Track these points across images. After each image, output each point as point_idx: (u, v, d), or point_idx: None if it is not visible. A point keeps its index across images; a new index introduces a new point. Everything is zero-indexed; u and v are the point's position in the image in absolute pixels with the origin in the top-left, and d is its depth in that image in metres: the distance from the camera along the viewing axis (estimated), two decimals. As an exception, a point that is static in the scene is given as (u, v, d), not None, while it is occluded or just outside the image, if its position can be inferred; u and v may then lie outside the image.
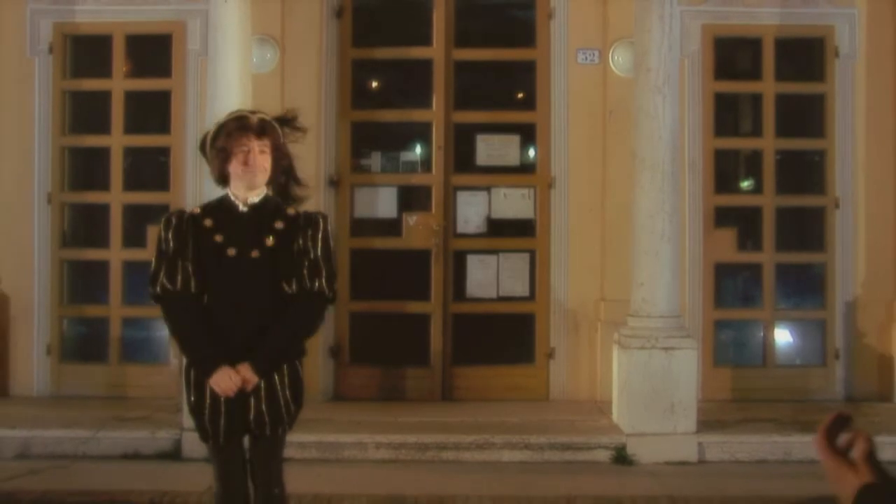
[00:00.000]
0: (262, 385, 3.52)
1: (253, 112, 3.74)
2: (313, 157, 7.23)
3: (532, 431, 6.32)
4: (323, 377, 7.17)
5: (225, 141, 3.58)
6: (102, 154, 7.44)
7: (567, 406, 7.04)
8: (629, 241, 6.50)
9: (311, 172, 7.08)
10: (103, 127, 7.43)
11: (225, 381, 3.46)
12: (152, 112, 7.59)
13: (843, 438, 1.39)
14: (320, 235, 3.60)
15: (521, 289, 7.44)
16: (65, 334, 7.48)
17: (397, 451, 6.13)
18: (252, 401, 3.52)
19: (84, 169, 7.62)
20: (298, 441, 6.11)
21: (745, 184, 7.92)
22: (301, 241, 3.57)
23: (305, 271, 3.55)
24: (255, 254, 3.53)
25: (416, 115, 7.71)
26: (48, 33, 7.35)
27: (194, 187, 7.11)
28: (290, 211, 3.66)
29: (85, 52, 7.62)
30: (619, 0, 7.13)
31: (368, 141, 7.75)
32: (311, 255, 3.57)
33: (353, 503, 5.34)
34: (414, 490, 5.47)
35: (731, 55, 7.80)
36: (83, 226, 7.66)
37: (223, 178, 3.64)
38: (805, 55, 7.59)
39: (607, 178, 7.30)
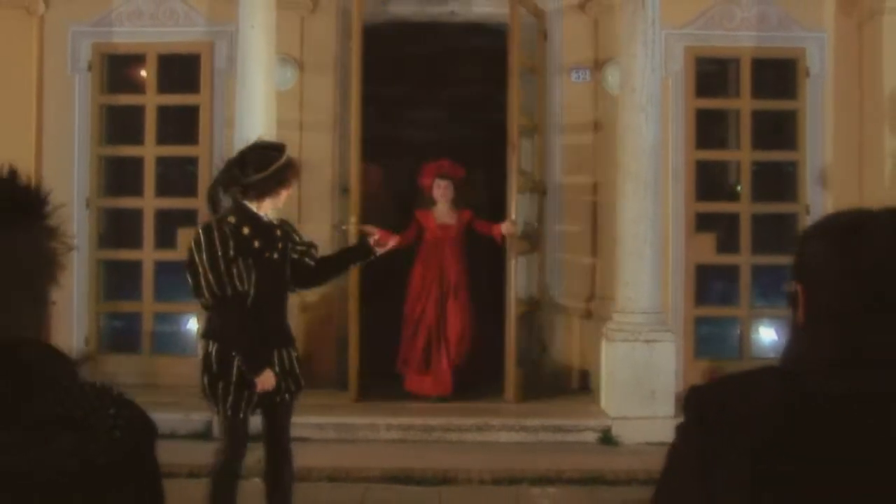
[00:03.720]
0: (287, 363, 4.30)
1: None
2: (328, 166, 7.93)
3: (527, 415, 7.01)
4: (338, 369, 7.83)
5: (292, 175, 4.36)
6: (136, 163, 8.09)
7: (559, 393, 7.69)
8: (616, 244, 7.19)
9: (328, 179, 7.79)
10: (137, 138, 8.08)
11: (270, 380, 4.19)
12: (182, 124, 8.26)
13: None
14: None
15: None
16: (101, 328, 8.16)
17: (406, 432, 6.82)
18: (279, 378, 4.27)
19: (119, 176, 8.28)
20: (317, 423, 6.84)
21: (740, 188, 8.48)
22: (296, 238, 4.44)
23: (307, 258, 4.44)
24: (276, 256, 4.29)
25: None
26: (87, 53, 8.02)
27: (220, 194, 7.78)
28: (275, 220, 4.40)
29: (121, 69, 8.31)
30: (609, 24, 7.78)
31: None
32: (310, 248, 4.49)
33: (367, 475, 6.02)
34: (421, 465, 6.14)
35: (712, 74, 8.44)
36: (118, 228, 8.33)
37: (268, 194, 4.26)
38: (779, 74, 8.24)
39: (598, 186, 7.98)
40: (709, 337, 8.15)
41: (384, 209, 12.93)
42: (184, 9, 8.02)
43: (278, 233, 4.34)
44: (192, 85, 8.10)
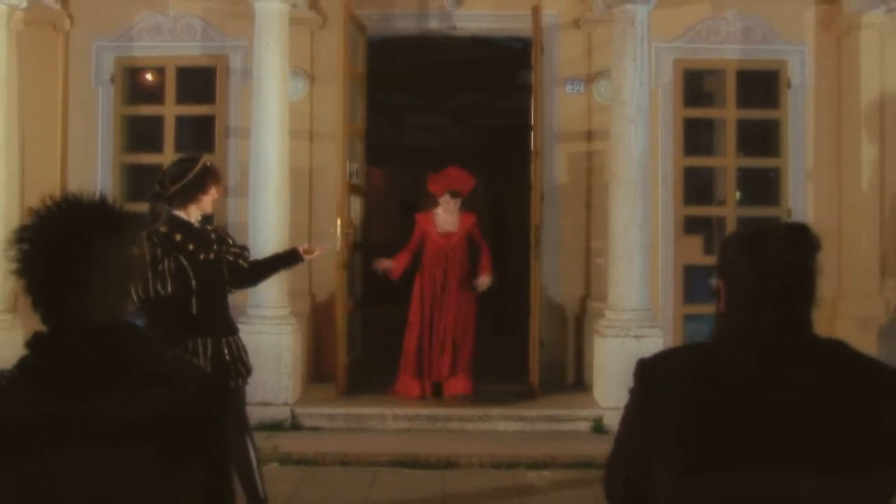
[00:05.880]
0: (234, 350, 4.76)
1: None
2: (339, 169, 8.36)
3: (525, 406, 7.48)
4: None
5: (210, 180, 4.81)
6: (156, 170, 8.46)
7: (555, 386, 8.15)
8: (608, 246, 7.66)
9: (338, 181, 8.19)
10: (156, 146, 8.54)
11: None
12: (198, 134, 8.73)
13: None
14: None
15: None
16: (123, 326, 8.59)
17: (411, 421, 7.28)
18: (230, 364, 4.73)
19: (140, 183, 8.71)
20: (329, 413, 7.35)
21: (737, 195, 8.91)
22: (230, 242, 4.90)
23: (241, 261, 4.89)
24: (212, 256, 4.78)
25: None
26: (110, 66, 8.50)
27: (235, 199, 8.27)
28: (209, 226, 4.92)
29: (141, 82, 8.79)
30: (601, 39, 8.24)
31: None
32: (243, 251, 4.99)
33: (376, 460, 6.50)
34: (426, 451, 6.61)
35: (699, 85, 8.92)
36: (139, 232, 8.77)
37: (190, 201, 4.74)
38: (762, 85, 8.68)
39: (591, 191, 8.44)
40: (697, 333, 8.54)
41: (387, 211, 13.47)
42: (200, 24, 8.49)
43: (212, 236, 4.85)
44: (207, 96, 8.57)
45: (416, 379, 7.70)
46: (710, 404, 1.90)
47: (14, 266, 1.92)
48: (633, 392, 2.07)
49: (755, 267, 1.96)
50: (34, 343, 1.96)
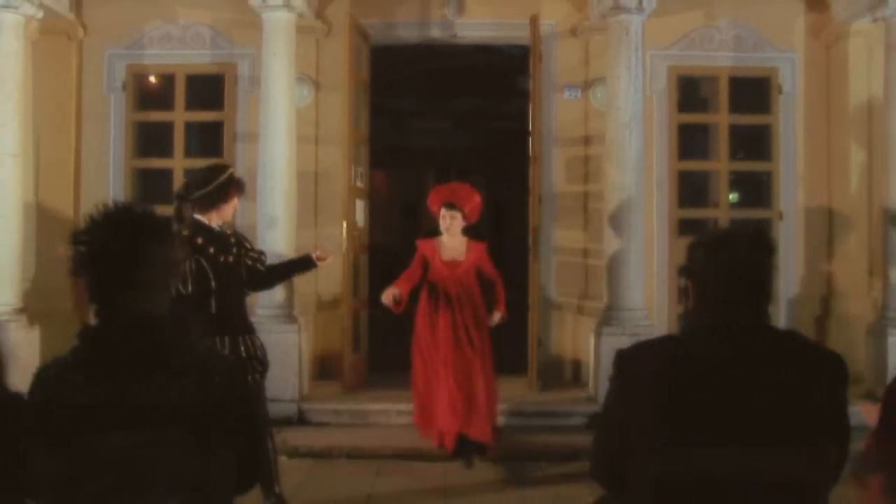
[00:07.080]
0: (250, 347, 5.03)
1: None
2: (344, 173, 8.60)
3: (524, 402, 7.74)
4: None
5: (233, 191, 5.14)
6: (166, 174, 8.78)
7: (553, 383, 8.42)
8: (604, 247, 7.91)
9: (344, 185, 8.43)
10: (167, 151, 8.80)
11: None
12: (207, 139, 8.99)
13: None
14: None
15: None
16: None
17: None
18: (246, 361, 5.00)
19: (151, 187, 9.00)
20: (335, 409, 7.61)
21: (732, 196, 9.15)
22: (248, 246, 5.23)
23: (258, 265, 5.22)
24: (231, 259, 5.09)
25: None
26: (122, 74, 8.75)
27: (243, 202, 8.49)
28: (228, 230, 5.21)
29: (152, 88, 9.04)
30: (598, 47, 8.50)
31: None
32: (260, 255, 5.32)
33: (381, 453, 6.77)
34: (428, 445, 6.85)
35: (693, 91, 9.17)
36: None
37: (212, 208, 5.05)
38: (754, 91, 8.91)
39: (588, 194, 8.69)
40: (691, 332, 8.81)
41: (389, 213, 13.73)
42: (209, 33, 8.75)
43: (232, 240, 5.18)
44: (216, 102, 8.82)
45: (431, 431, 6.75)
46: (686, 388, 2.16)
47: (71, 266, 2.19)
48: (613, 380, 2.34)
49: (722, 269, 2.23)
50: (84, 334, 2.22)
